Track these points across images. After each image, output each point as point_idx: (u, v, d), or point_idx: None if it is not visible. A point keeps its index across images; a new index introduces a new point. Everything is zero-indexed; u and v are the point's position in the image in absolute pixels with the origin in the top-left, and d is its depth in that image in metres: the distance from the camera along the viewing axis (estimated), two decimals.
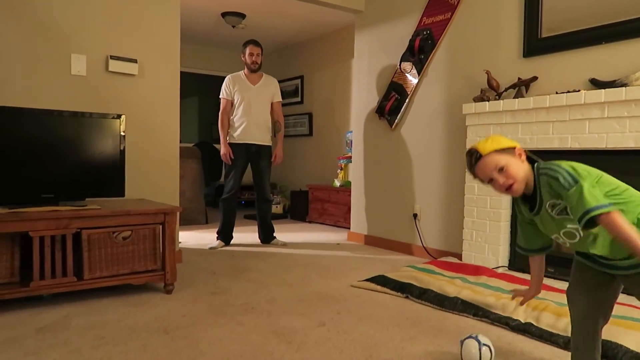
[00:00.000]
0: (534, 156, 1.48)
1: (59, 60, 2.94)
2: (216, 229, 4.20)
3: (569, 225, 1.38)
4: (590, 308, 1.48)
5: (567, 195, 1.32)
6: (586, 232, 1.35)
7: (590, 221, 1.27)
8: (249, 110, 4.08)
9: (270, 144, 4.20)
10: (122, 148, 2.76)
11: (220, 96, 4.15)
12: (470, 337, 1.78)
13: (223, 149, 4.07)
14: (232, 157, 4.04)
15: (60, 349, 1.87)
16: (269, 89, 4.21)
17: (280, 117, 4.27)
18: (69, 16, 2.96)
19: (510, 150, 1.45)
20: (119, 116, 2.76)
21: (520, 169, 1.42)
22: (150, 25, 3.25)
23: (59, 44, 2.93)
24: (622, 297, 2.54)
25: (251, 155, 4.13)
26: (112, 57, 3.08)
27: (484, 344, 1.74)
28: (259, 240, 4.30)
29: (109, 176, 2.74)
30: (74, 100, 2.97)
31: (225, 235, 4.13)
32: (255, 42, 4.19)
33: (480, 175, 1.47)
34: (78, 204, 2.60)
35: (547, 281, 2.84)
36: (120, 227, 2.53)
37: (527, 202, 1.49)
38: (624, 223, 1.25)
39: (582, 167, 1.37)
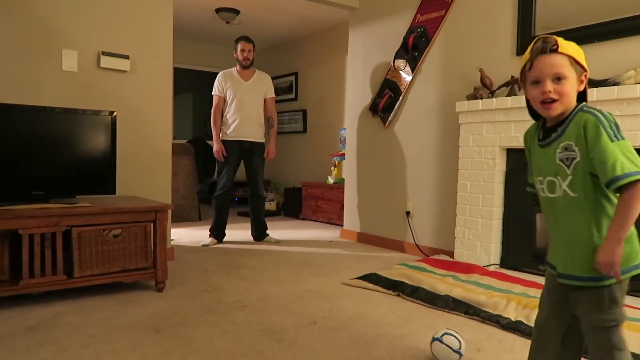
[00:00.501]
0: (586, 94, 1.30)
1: (50, 55, 2.91)
2: (209, 226, 4.19)
3: (558, 177, 1.24)
4: (552, 316, 1.33)
5: (604, 146, 1.15)
6: (569, 193, 1.22)
7: (622, 186, 1.13)
8: (241, 106, 4.06)
9: (263, 140, 4.19)
10: (113, 145, 2.74)
11: (212, 93, 4.13)
12: (434, 340, 1.80)
13: (216, 146, 4.05)
14: (225, 154, 4.02)
15: (50, 348, 1.86)
16: (262, 85, 4.20)
17: (273, 113, 4.25)
18: (60, 11, 2.93)
19: (580, 69, 1.25)
20: (111, 113, 2.74)
21: (573, 92, 1.25)
22: (143, 21, 3.22)
23: (49, 39, 2.91)
24: None
25: (244, 152, 4.11)
26: (104, 53, 3.06)
27: (447, 334, 1.78)
28: (252, 238, 4.29)
29: (100, 173, 2.72)
30: (65, 96, 2.95)
31: (218, 233, 4.12)
32: (246, 39, 4.17)
33: (538, 67, 1.24)
34: (69, 201, 2.59)
35: (538, 279, 2.86)
36: (111, 224, 2.52)
37: (542, 129, 1.32)
38: None
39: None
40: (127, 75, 3.18)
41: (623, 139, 1.16)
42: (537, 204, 2.98)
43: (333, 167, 5.55)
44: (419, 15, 3.84)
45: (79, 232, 2.42)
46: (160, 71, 3.30)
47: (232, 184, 4.12)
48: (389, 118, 4.07)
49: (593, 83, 2.72)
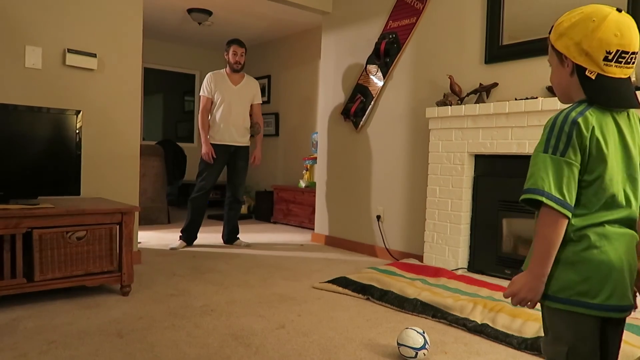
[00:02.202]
0: (594, 86, 1.03)
1: (12, 52, 2.81)
2: (179, 229, 4.12)
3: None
4: None
5: (534, 154, 1.04)
6: None
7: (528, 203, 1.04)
8: (229, 111, 4.02)
9: (248, 144, 4.17)
10: (78, 145, 2.66)
11: (200, 93, 4.06)
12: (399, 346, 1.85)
13: (205, 148, 3.97)
14: (214, 157, 3.97)
15: (5, 354, 1.79)
16: (250, 90, 4.16)
17: (260, 119, 4.22)
18: (23, 6, 2.84)
19: (557, 54, 1.07)
20: (77, 112, 2.67)
21: (560, 82, 1.10)
22: (112, 19, 3.15)
23: (12, 34, 2.81)
24: None
25: (229, 156, 4.08)
26: (69, 51, 2.97)
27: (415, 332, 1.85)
28: (222, 241, 4.24)
29: (64, 174, 2.64)
30: (28, 94, 2.85)
31: (189, 235, 4.05)
32: (239, 42, 4.08)
33: None
34: (30, 202, 2.50)
35: (504, 283, 2.91)
36: (75, 226, 2.44)
37: None
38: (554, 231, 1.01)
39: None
40: (94, 74, 3.10)
41: (563, 157, 0.99)
42: (504, 209, 3.06)
43: (305, 171, 5.55)
44: (391, 21, 3.88)
45: (41, 234, 2.34)
46: (128, 71, 3.24)
47: (212, 187, 4.08)
48: (361, 122, 4.10)
49: None
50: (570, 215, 1.00)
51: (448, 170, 3.28)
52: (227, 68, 4.08)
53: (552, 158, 0.99)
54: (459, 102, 3.26)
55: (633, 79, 2.49)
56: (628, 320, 2.14)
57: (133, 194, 3.28)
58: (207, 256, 3.68)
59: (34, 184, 2.57)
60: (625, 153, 1.04)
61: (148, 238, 4.32)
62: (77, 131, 2.66)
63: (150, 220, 5.04)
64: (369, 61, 4.04)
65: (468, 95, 3.21)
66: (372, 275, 2.93)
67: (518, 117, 2.89)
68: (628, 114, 1.06)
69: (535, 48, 2.96)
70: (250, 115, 4.19)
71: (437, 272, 3.07)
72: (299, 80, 6.14)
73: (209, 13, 5.36)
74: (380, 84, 3.95)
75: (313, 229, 4.73)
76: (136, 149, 3.30)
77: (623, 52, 0.99)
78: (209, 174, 4.00)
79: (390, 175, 3.88)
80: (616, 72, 1.01)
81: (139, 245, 3.60)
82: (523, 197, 1.03)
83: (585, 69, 1.02)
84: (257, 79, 6.70)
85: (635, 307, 1.08)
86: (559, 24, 1.07)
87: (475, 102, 3.14)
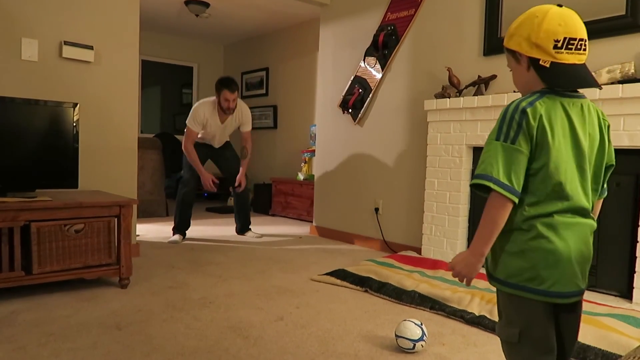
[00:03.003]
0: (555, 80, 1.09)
1: (8, 44, 2.79)
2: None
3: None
4: None
5: (487, 141, 1.09)
6: None
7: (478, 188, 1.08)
8: (213, 138, 4.06)
9: (228, 139, 4.21)
10: (76, 138, 2.66)
11: (187, 122, 3.90)
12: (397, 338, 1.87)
13: (204, 177, 3.94)
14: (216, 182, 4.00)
15: (4, 347, 1.79)
16: (238, 121, 4.08)
17: (248, 143, 4.14)
18: None
19: (511, 53, 1.15)
20: (74, 105, 2.65)
21: (519, 79, 1.16)
22: (109, 11, 3.13)
23: (8, 26, 2.79)
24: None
25: (213, 150, 4.10)
26: (66, 43, 2.96)
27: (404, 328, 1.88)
28: (235, 232, 4.33)
29: (61, 167, 2.63)
30: (25, 86, 2.84)
31: (183, 227, 4.05)
32: (231, 87, 3.82)
33: None
34: (27, 195, 2.49)
35: None
36: (73, 219, 2.44)
37: None
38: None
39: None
40: (91, 67, 3.08)
41: (513, 144, 1.04)
42: None
43: (303, 164, 5.54)
44: (389, 13, 3.86)
45: (38, 227, 2.34)
46: (126, 63, 3.22)
47: (197, 180, 4.05)
48: (359, 115, 4.09)
49: None
50: (516, 200, 1.05)
51: (446, 162, 3.28)
52: (218, 106, 3.91)
53: (503, 145, 1.04)
54: (458, 94, 3.25)
55: (619, 72, 2.48)
56: (624, 312, 2.16)
57: (131, 186, 3.28)
58: (205, 249, 3.69)
59: (31, 177, 2.56)
60: (574, 143, 1.08)
61: (146, 231, 4.32)
62: (75, 124, 2.65)
63: (148, 213, 5.04)
64: (367, 53, 4.02)
65: (466, 87, 3.20)
66: (370, 267, 2.93)
67: None
68: (582, 106, 1.10)
69: None
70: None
71: (435, 264, 3.08)
72: (297, 73, 6.11)
73: (207, 5, 5.32)
74: (379, 76, 3.93)
75: (311, 222, 4.74)
76: (134, 141, 3.30)
77: (571, 38, 1.07)
78: (192, 169, 4.00)
79: (388, 168, 3.88)
80: (569, 58, 1.07)
81: (137, 238, 3.61)
82: (473, 182, 1.08)
83: (539, 59, 1.08)
84: (255, 71, 6.76)
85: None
86: (509, 29, 1.16)
87: (474, 95, 3.14)
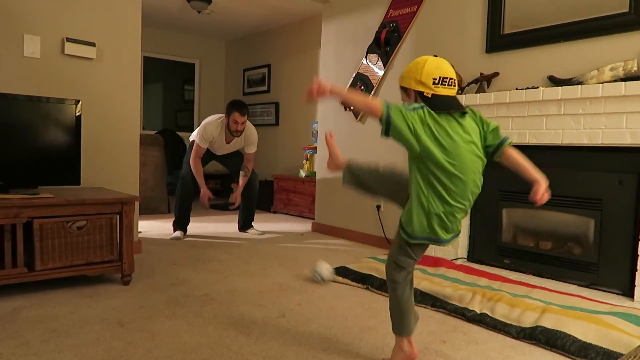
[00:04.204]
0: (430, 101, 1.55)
1: (10, 41, 2.79)
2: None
3: None
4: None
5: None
6: None
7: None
8: (216, 152, 4.12)
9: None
10: (78, 134, 2.66)
11: (193, 139, 3.94)
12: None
13: (203, 190, 3.99)
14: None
15: (7, 343, 1.80)
16: (242, 143, 4.13)
17: (249, 164, 4.17)
18: None
19: (405, 90, 1.62)
20: (77, 101, 2.66)
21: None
22: (110, 7, 3.13)
23: (10, 23, 2.79)
24: (571, 289, 2.64)
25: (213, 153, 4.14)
26: (68, 40, 2.96)
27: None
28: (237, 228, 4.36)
29: (64, 163, 2.64)
30: (27, 83, 2.84)
31: (184, 223, 4.05)
32: (241, 110, 3.89)
33: None
34: (30, 192, 2.50)
35: (503, 273, 2.93)
36: (75, 216, 2.45)
37: None
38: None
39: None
40: (93, 63, 3.09)
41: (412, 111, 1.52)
42: (504, 199, 3.06)
43: (305, 161, 5.54)
44: (392, 10, 3.85)
45: (41, 223, 2.34)
46: (128, 59, 3.22)
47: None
48: (361, 112, 4.08)
49: (557, 81, 2.79)
50: None
51: None
52: (227, 127, 3.95)
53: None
54: (460, 91, 3.24)
55: (622, 70, 2.48)
56: (626, 310, 2.16)
57: (133, 183, 3.29)
58: (207, 245, 3.70)
59: (34, 174, 2.57)
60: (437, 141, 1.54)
61: (148, 228, 4.33)
62: (77, 121, 2.66)
63: (150, 210, 5.05)
64: (370, 50, 4.01)
65: (469, 84, 3.20)
66: (372, 264, 2.94)
67: (519, 107, 2.88)
68: (454, 118, 1.55)
69: (537, 37, 2.95)
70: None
71: (436, 261, 3.08)
72: (299, 69, 6.11)
73: (209, 1, 5.31)
74: (381, 73, 3.93)
75: (313, 219, 4.74)
76: (136, 138, 3.30)
77: (444, 78, 1.55)
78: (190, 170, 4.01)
79: (390, 165, 3.87)
80: (444, 91, 1.55)
81: (139, 235, 3.62)
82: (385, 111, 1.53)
83: (423, 92, 1.56)
84: (257, 67, 6.75)
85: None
86: (402, 73, 1.63)
87: (476, 92, 3.13)
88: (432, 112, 1.52)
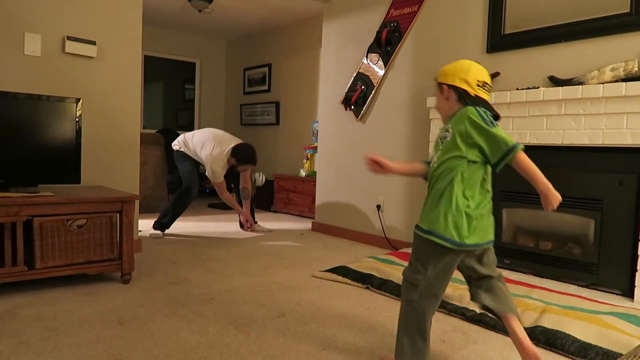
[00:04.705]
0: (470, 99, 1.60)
1: (11, 39, 2.80)
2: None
3: (438, 153, 1.62)
4: None
5: (487, 130, 1.51)
6: (438, 166, 1.58)
7: (509, 154, 1.49)
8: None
9: None
10: (78, 133, 2.66)
11: (214, 179, 3.98)
12: None
13: (243, 217, 4.23)
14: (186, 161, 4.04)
15: (7, 341, 1.80)
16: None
17: (248, 184, 4.27)
18: None
19: (440, 86, 1.66)
20: (77, 100, 2.66)
21: (442, 105, 1.67)
22: (111, 6, 3.13)
23: (11, 21, 2.79)
24: (571, 289, 2.64)
25: None
26: (69, 38, 2.96)
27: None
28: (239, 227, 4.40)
29: (64, 162, 2.64)
30: (27, 81, 2.84)
31: (168, 227, 4.02)
32: (255, 164, 4.12)
33: None
34: (30, 190, 2.50)
35: (503, 272, 2.92)
36: (75, 214, 2.45)
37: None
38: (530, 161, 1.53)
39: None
40: (94, 62, 3.09)
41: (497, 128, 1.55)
42: (504, 199, 3.07)
43: (305, 160, 5.54)
44: (393, 9, 3.85)
45: (41, 222, 2.34)
46: (128, 58, 3.22)
47: (198, 188, 4.14)
48: (362, 112, 4.08)
49: (558, 82, 2.78)
50: None
51: None
52: (230, 166, 4.02)
53: (497, 127, 1.53)
54: None
55: (622, 70, 2.47)
56: (625, 310, 2.15)
57: (134, 182, 3.29)
58: (207, 244, 3.70)
59: (34, 172, 2.57)
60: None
61: (148, 226, 4.33)
62: (77, 119, 2.66)
63: (150, 209, 5.05)
64: (370, 50, 4.01)
65: None
66: (372, 264, 2.94)
67: (519, 107, 2.88)
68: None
69: (538, 37, 2.94)
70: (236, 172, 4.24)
71: None
72: (300, 69, 6.11)
73: (210, 0, 5.31)
74: (381, 72, 3.93)
75: (313, 218, 4.74)
76: (136, 137, 3.30)
77: (485, 82, 1.61)
78: (192, 171, 4.05)
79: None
80: (484, 95, 1.61)
81: (139, 234, 3.62)
82: (512, 153, 1.49)
83: (467, 90, 1.59)
84: (257, 67, 6.75)
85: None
86: (444, 70, 1.66)
87: None
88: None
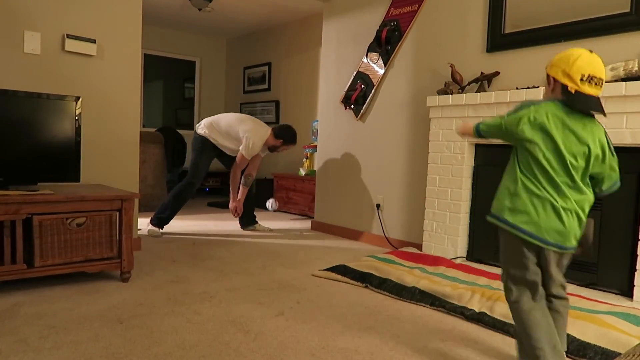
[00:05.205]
0: (570, 94, 1.50)
1: (10, 37, 2.79)
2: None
3: None
4: None
5: None
6: None
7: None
8: (221, 155, 4.19)
9: None
10: (78, 131, 2.66)
11: (244, 151, 3.96)
12: None
13: (233, 204, 4.12)
14: (202, 149, 4.03)
15: (6, 339, 1.80)
16: (266, 149, 4.23)
17: (254, 170, 4.25)
18: None
19: (548, 77, 1.58)
20: (77, 98, 2.66)
21: (547, 93, 1.61)
22: (111, 4, 3.13)
23: (10, 20, 2.79)
24: (570, 288, 2.65)
25: (221, 152, 4.15)
26: (68, 36, 2.95)
27: None
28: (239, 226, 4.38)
29: (64, 160, 2.64)
30: (27, 80, 2.84)
31: (166, 223, 4.02)
32: (295, 141, 4.19)
33: None
34: (30, 188, 2.50)
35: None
36: (75, 213, 2.45)
37: None
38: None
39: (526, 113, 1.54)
40: (94, 60, 3.08)
41: (507, 115, 1.59)
42: None
43: (305, 159, 5.54)
44: (393, 9, 3.85)
45: (41, 220, 2.34)
46: (128, 57, 3.22)
47: (200, 182, 4.11)
48: (361, 111, 4.08)
49: None
50: None
51: (448, 159, 3.28)
52: (266, 143, 4.08)
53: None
54: (460, 90, 3.24)
55: (622, 70, 2.47)
56: (624, 309, 2.15)
57: (133, 180, 3.29)
58: (207, 243, 3.70)
59: (33, 170, 2.57)
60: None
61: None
62: (77, 117, 2.66)
63: (150, 207, 5.05)
64: (370, 49, 4.01)
65: (469, 84, 3.20)
66: (371, 263, 2.94)
67: None
68: (584, 123, 1.51)
69: (538, 37, 2.94)
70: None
71: (435, 260, 3.08)
72: (300, 68, 6.10)
73: None
74: (381, 72, 3.92)
75: (313, 217, 4.74)
76: (136, 135, 3.30)
77: (592, 76, 1.48)
78: (204, 163, 4.05)
79: (390, 164, 3.88)
80: (589, 90, 1.48)
81: (138, 232, 3.62)
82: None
83: (567, 86, 1.49)
84: (257, 66, 6.75)
85: None
86: (552, 60, 1.57)
87: (477, 91, 3.13)
88: (557, 108, 1.51)
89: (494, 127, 1.64)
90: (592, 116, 1.52)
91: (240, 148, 3.97)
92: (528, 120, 1.51)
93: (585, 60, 1.48)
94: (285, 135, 4.07)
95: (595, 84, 1.48)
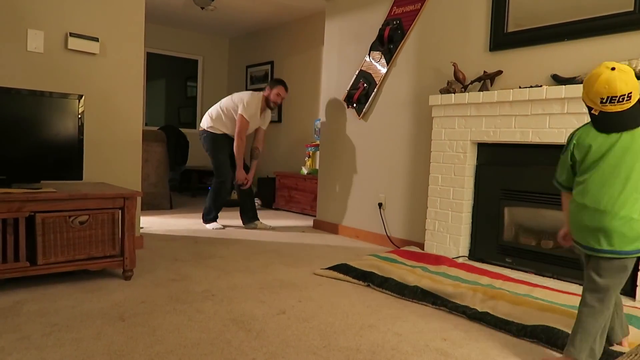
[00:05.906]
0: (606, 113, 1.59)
1: (13, 35, 2.80)
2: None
3: None
4: None
5: None
6: None
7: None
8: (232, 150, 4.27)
9: None
10: (81, 129, 2.66)
11: (242, 112, 4.09)
12: None
13: (241, 175, 4.17)
14: (218, 147, 4.17)
15: (8, 336, 1.81)
16: (266, 119, 4.37)
17: (260, 144, 4.39)
18: None
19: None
20: (80, 96, 2.66)
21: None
22: (114, 3, 3.13)
23: (14, 18, 2.80)
24: (573, 288, 2.63)
25: (231, 142, 4.24)
26: (71, 35, 2.96)
27: None
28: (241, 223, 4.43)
29: (66, 158, 2.64)
30: (30, 78, 2.85)
31: (215, 220, 4.31)
32: (286, 86, 4.23)
33: None
34: (32, 186, 2.51)
35: (505, 271, 2.92)
36: (77, 211, 2.45)
37: None
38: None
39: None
40: (97, 59, 3.09)
41: (562, 154, 1.73)
42: (506, 198, 3.06)
43: (307, 158, 5.54)
44: (395, 7, 3.84)
45: (43, 218, 2.35)
46: (131, 55, 3.22)
47: (233, 174, 4.27)
48: (364, 109, 4.08)
49: (561, 80, 2.78)
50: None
51: (450, 158, 3.27)
52: (263, 101, 4.21)
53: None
54: (463, 89, 3.24)
55: None
56: (627, 310, 2.15)
57: (135, 179, 3.29)
58: (209, 242, 3.70)
59: (36, 169, 2.58)
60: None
61: (150, 223, 4.34)
62: (80, 116, 2.66)
63: (152, 206, 5.06)
64: (373, 47, 4.01)
65: (472, 83, 3.19)
66: (373, 262, 2.94)
67: (522, 106, 2.87)
68: (621, 135, 1.59)
69: (541, 35, 2.94)
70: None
71: (437, 259, 3.08)
72: (302, 67, 6.10)
73: None
74: (384, 70, 3.92)
75: (315, 216, 4.74)
76: (139, 134, 3.30)
77: (612, 97, 1.54)
78: (224, 162, 4.20)
79: (392, 163, 3.88)
80: (612, 108, 1.56)
81: (141, 231, 3.62)
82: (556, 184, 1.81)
83: (592, 108, 1.62)
84: (260, 64, 6.75)
85: None
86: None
87: (479, 90, 3.12)
88: (589, 132, 1.64)
89: (560, 165, 1.74)
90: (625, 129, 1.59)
91: (239, 111, 4.08)
92: (574, 146, 1.67)
93: (602, 84, 1.54)
94: (272, 82, 4.21)
95: (619, 101, 1.54)
